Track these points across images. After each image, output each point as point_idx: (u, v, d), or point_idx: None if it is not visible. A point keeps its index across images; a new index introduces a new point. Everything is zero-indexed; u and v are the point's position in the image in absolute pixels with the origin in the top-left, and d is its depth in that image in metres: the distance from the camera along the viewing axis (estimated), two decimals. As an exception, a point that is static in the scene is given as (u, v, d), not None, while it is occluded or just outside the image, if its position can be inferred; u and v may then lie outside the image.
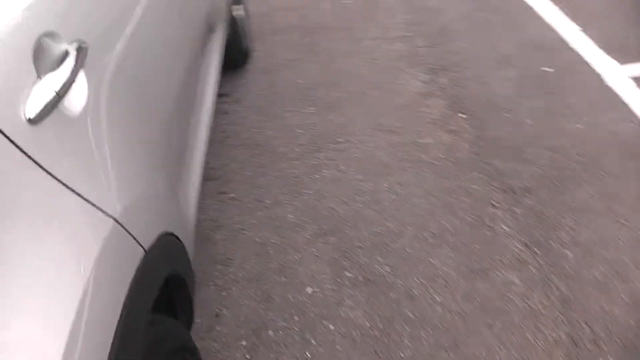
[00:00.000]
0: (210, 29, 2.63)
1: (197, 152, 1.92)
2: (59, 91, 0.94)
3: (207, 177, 2.64)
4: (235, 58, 3.35)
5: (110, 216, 0.97)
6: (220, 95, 3.21)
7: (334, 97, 3.12)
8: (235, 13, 3.39)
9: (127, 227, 1.00)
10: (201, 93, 2.15)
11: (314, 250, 2.23)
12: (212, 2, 2.72)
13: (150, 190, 1.22)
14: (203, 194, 2.53)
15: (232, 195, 2.53)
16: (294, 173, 2.61)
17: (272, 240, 2.29)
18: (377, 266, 2.13)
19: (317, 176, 2.58)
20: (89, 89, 1.07)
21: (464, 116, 2.86)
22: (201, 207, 2.45)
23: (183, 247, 1.35)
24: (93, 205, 0.94)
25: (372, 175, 2.54)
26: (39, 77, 0.94)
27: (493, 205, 2.33)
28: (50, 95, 0.93)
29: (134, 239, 1.02)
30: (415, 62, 3.37)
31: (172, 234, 1.29)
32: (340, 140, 2.79)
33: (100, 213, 0.95)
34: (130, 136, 1.19)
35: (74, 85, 1.01)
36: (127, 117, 1.20)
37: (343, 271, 2.13)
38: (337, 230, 2.30)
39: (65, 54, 1.02)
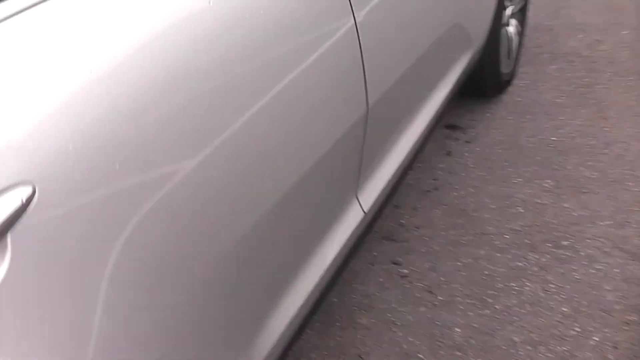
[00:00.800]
0: (449, 51, 2.14)
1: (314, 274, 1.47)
2: None
3: (389, 234, 2.24)
4: (487, 85, 2.82)
5: None
6: (451, 127, 2.74)
7: (584, 176, 2.47)
8: (507, 29, 2.84)
9: None
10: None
11: (463, 394, 1.76)
12: (465, 17, 2.21)
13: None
14: (374, 256, 2.15)
15: (405, 271, 2.11)
16: (488, 269, 2.10)
17: (420, 355, 1.85)
18: None
19: (515, 286, 2.04)
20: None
21: None
22: (364, 272, 2.08)
23: None
24: None
25: (583, 316, 1.94)
26: None
27: None
28: None
29: None
30: None
31: None
32: (564, 244, 2.19)
33: None
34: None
35: None
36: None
37: None
38: (505, 379, 1.79)
39: None
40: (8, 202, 0.70)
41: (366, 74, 1.42)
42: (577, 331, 1.90)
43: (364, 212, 1.60)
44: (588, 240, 2.20)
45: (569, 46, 3.33)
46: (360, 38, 1.38)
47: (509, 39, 2.91)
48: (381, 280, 2.08)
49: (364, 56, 1.40)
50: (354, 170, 1.50)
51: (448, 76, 2.16)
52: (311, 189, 1.31)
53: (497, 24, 2.59)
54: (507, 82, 2.94)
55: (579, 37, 3.40)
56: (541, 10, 3.66)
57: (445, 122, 2.75)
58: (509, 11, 2.85)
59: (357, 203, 1.57)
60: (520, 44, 3.08)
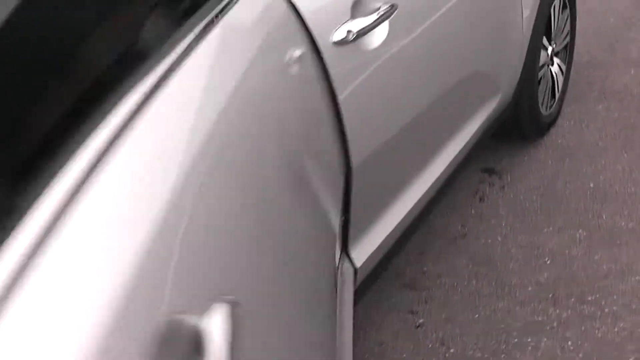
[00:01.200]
0: (468, 100, 2.14)
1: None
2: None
3: (410, 281, 2.25)
4: (525, 128, 2.77)
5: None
6: (487, 170, 2.72)
7: (619, 226, 2.40)
8: (550, 68, 2.80)
9: None
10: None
11: None
12: (486, 64, 2.21)
13: None
14: (392, 303, 2.17)
15: (421, 320, 2.12)
16: (505, 323, 2.08)
17: (427, 412, 1.86)
18: None
19: (531, 341, 2.02)
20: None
21: None
22: (380, 319, 2.11)
23: None
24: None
25: (599, 378, 1.90)
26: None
27: None
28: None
29: None
30: None
31: None
32: (589, 299, 2.14)
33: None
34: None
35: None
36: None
37: None
38: None
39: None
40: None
41: (347, 134, 1.46)
42: (592, 394, 1.86)
43: (355, 268, 1.62)
44: (615, 296, 2.14)
45: (620, 83, 3.23)
46: (340, 102, 1.42)
47: (552, 79, 2.86)
48: (396, 328, 2.10)
49: (344, 117, 1.43)
50: (337, 227, 1.52)
51: (467, 125, 2.15)
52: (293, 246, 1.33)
53: (532, 66, 2.55)
54: (549, 124, 2.88)
55: (632, 74, 3.29)
56: (595, 44, 3.57)
57: (481, 166, 2.73)
58: (550, 50, 2.80)
59: (348, 259, 1.60)
60: (565, 82, 3.02)
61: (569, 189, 2.60)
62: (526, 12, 2.42)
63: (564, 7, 2.87)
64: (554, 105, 2.90)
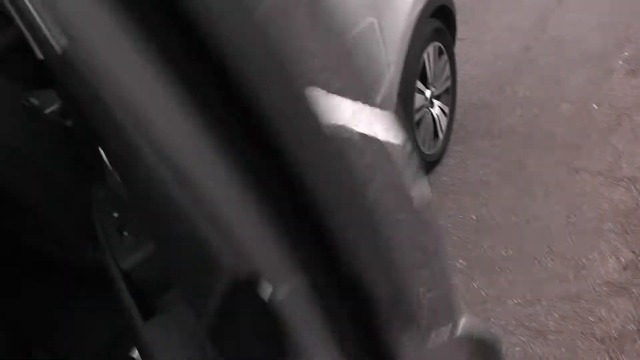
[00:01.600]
0: None
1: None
2: None
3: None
4: (410, 168, 2.86)
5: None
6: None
7: (498, 254, 2.48)
8: (430, 110, 2.92)
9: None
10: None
11: None
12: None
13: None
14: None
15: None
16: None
17: None
18: None
19: (409, 371, 2.03)
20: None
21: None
22: None
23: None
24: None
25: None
26: None
27: None
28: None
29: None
30: (627, 228, 2.53)
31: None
32: (467, 324, 2.18)
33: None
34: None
35: None
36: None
37: None
38: None
39: None
40: None
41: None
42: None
43: None
44: (492, 319, 2.19)
45: (506, 122, 3.37)
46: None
47: (434, 121, 2.98)
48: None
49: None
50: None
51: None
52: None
53: (406, 109, 2.66)
54: (433, 163, 2.98)
55: (518, 113, 3.45)
56: (485, 86, 3.74)
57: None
58: (429, 94, 2.92)
59: None
60: (450, 123, 3.14)
61: (451, 222, 2.68)
62: (392, 59, 2.54)
63: (440, 53, 3.01)
64: (437, 145, 3.01)
